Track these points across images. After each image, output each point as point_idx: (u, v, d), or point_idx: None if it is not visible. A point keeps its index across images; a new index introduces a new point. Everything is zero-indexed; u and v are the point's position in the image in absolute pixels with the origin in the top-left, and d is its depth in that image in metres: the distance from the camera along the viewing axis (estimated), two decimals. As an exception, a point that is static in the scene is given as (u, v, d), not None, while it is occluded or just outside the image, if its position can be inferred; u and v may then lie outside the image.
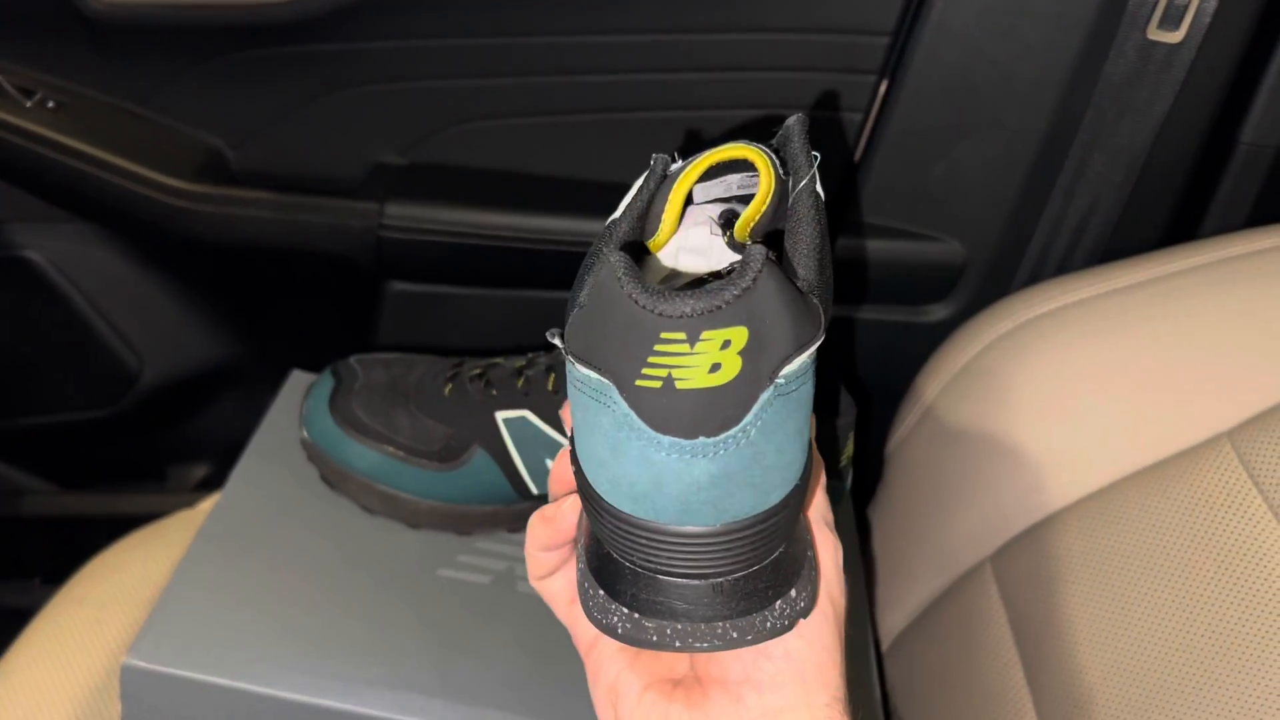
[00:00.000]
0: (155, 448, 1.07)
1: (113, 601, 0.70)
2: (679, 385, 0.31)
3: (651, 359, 0.31)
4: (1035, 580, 0.64)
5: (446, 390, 0.61)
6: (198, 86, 0.86)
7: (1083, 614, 0.60)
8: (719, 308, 0.30)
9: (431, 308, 0.89)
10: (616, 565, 0.36)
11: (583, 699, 0.42)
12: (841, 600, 0.41)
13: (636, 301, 0.31)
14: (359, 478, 0.60)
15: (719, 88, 0.82)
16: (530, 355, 0.63)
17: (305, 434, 0.62)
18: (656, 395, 0.31)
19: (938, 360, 0.76)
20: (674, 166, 0.40)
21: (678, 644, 0.36)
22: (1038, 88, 0.76)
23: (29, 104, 0.84)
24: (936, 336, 0.79)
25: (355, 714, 0.51)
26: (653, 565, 0.35)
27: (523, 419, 0.59)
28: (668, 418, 0.32)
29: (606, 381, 0.32)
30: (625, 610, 0.36)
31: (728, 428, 0.32)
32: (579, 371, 0.33)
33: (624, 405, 0.32)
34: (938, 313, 0.86)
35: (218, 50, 0.84)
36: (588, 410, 0.33)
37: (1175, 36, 0.69)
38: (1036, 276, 0.81)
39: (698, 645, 0.36)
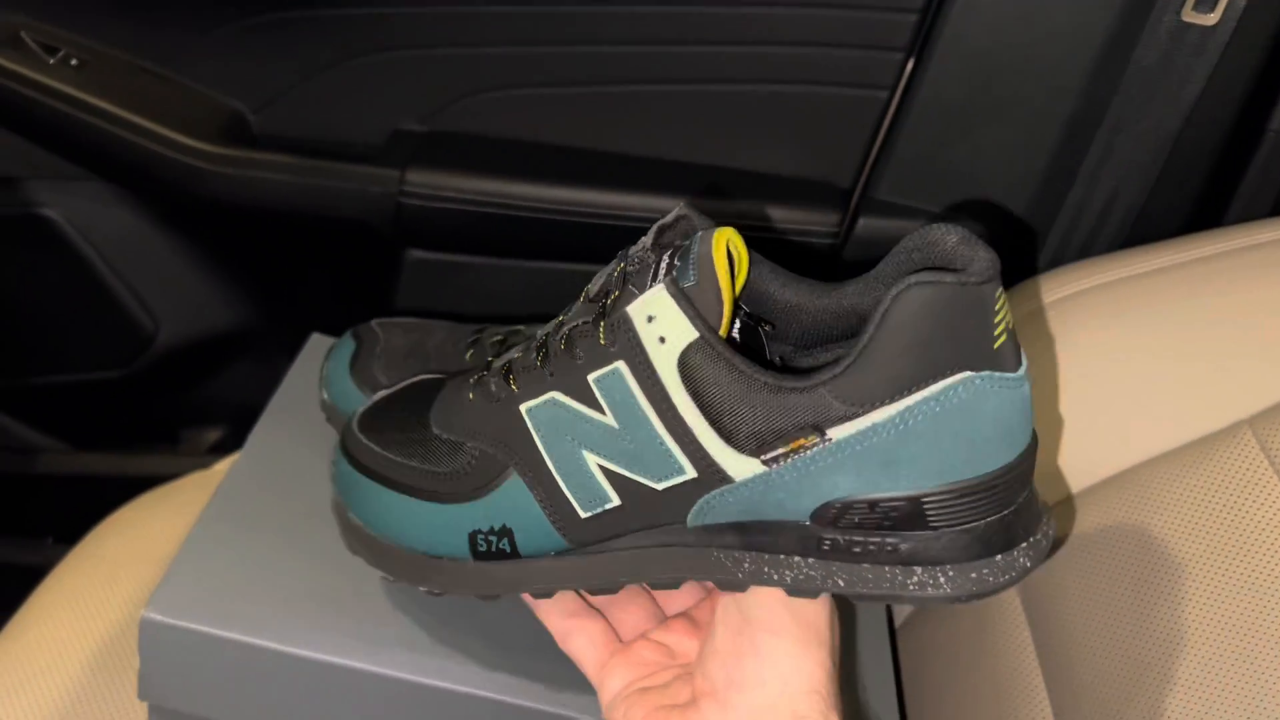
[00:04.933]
0: (168, 410, 1.07)
1: (128, 559, 0.70)
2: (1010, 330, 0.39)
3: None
4: (1050, 564, 0.64)
5: (468, 355, 0.61)
6: (221, 49, 0.86)
7: (1098, 598, 0.60)
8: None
9: (449, 276, 0.89)
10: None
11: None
12: (825, 600, 0.43)
13: (966, 283, 0.37)
14: (378, 441, 0.60)
15: (743, 61, 0.81)
16: (557, 321, 0.63)
17: (325, 396, 0.62)
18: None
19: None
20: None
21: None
22: (1064, 70, 0.75)
23: (52, 61, 0.84)
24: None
25: (371, 673, 0.51)
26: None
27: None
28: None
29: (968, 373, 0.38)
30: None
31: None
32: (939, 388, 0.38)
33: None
34: (957, 294, 0.86)
35: (241, 12, 0.84)
36: (948, 418, 0.38)
37: (1210, 19, 0.69)
38: (1059, 260, 0.81)
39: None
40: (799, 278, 0.44)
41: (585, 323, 0.42)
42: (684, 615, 0.49)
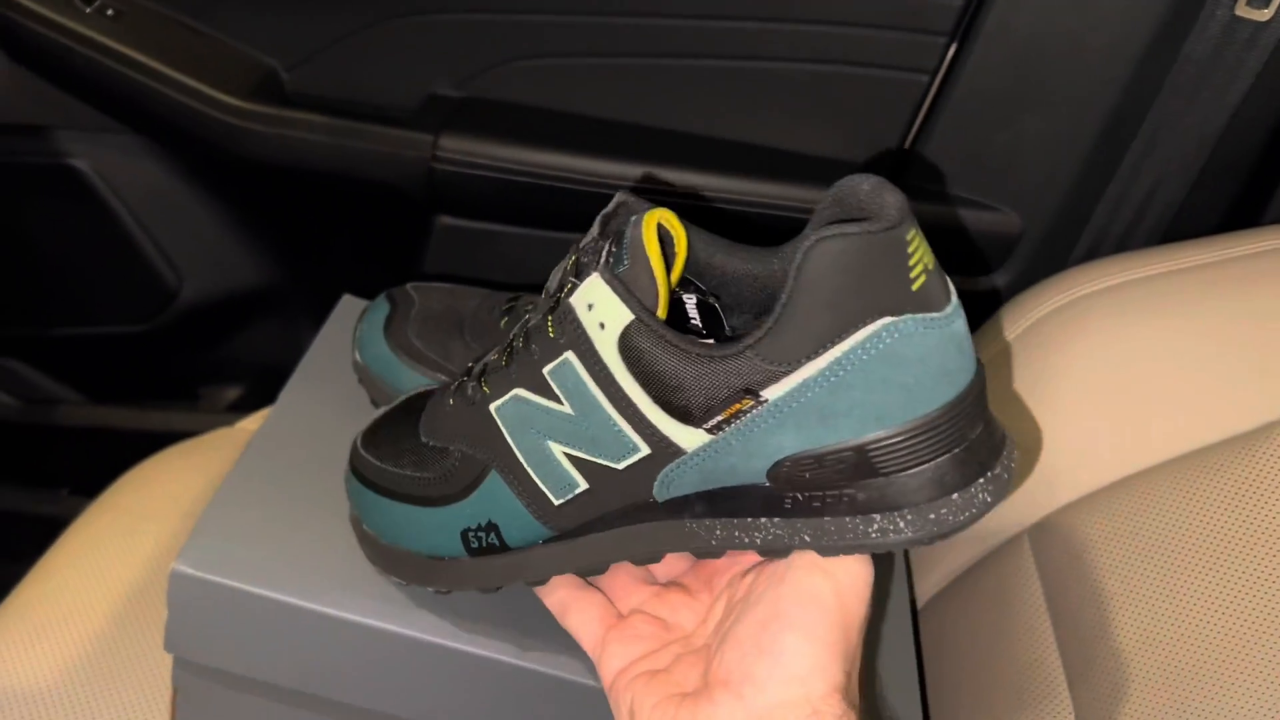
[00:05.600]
0: (189, 367, 1.07)
1: (150, 512, 0.71)
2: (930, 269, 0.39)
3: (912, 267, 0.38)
4: (1074, 556, 0.64)
5: (502, 323, 0.61)
6: (257, 4, 0.85)
7: (1122, 593, 0.60)
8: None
9: (478, 244, 0.89)
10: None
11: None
12: (857, 607, 0.42)
13: (872, 231, 0.37)
14: (409, 404, 0.60)
15: (785, 39, 0.81)
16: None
17: (358, 357, 0.62)
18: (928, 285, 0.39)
19: (988, 329, 0.76)
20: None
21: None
22: (1110, 60, 0.74)
23: (88, 10, 0.84)
24: (984, 307, 0.78)
25: (399, 634, 0.51)
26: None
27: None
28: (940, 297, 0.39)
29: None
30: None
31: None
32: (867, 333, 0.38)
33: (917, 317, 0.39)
34: (987, 283, 0.86)
35: (279, -32, 0.83)
36: (877, 365, 0.39)
37: (1264, 15, 0.68)
38: (1094, 252, 0.80)
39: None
40: (742, 246, 0.45)
41: (536, 321, 0.44)
42: (676, 584, 0.49)
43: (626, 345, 0.41)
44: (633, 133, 0.85)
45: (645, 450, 0.42)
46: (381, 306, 0.62)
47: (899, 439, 0.40)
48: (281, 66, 0.87)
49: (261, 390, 1.06)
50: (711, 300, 0.46)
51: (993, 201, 0.82)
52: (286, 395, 0.62)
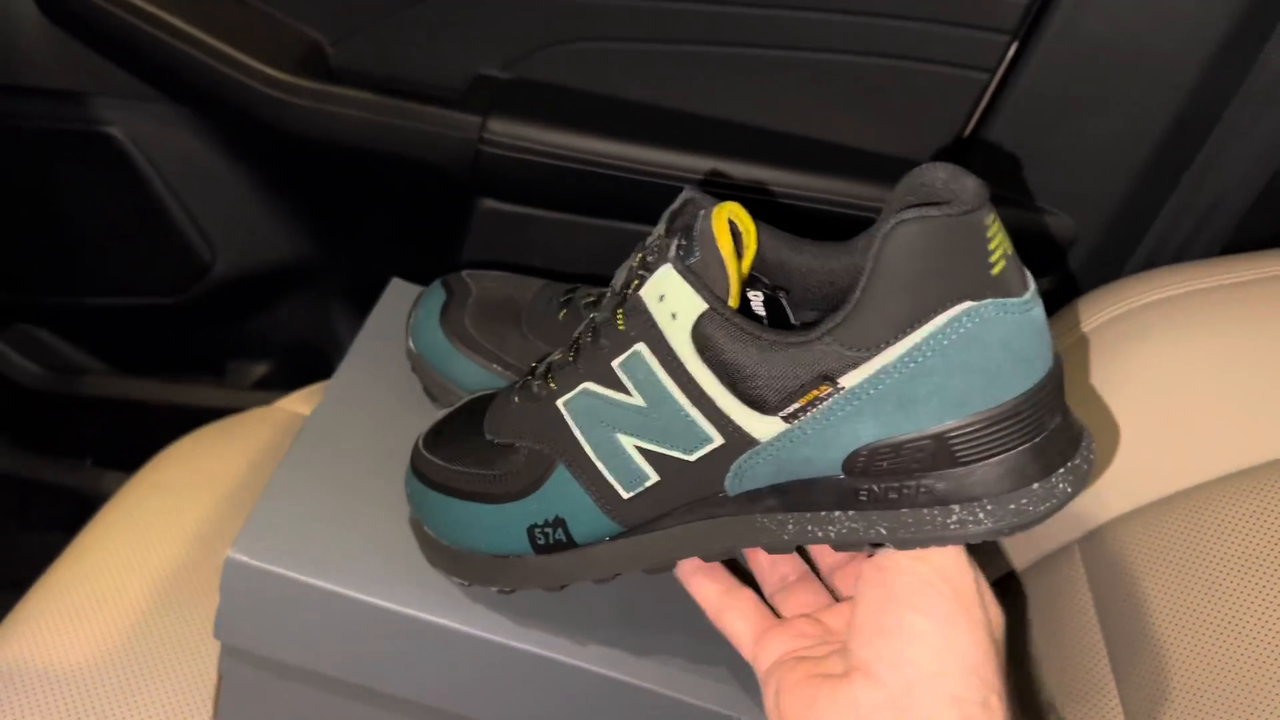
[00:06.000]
0: (217, 341, 1.06)
1: (189, 491, 0.70)
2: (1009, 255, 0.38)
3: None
4: (1127, 568, 0.63)
5: (560, 315, 0.59)
6: (303, -25, 0.84)
7: (1172, 608, 0.59)
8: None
9: (520, 229, 0.88)
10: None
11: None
12: (964, 581, 0.41)
13: (952, 214, 0.37)
14: (464, 393, 0.59)
15: (842, 30, 0.79)
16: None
17: (411, 345, 0.60)
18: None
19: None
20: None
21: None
22: (1177, 66, 0.73)
23: (132, -24, 0.82)
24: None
25: (452, 629, 0.50)
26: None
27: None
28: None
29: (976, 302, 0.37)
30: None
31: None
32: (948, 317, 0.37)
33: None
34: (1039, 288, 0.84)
35: (327, -59, 0.82)
36: (957, 351, 0.38)
37: (1347, 26, 0.67)
38: (1152, 261, 0.79)
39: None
40: (808, 241, 0.45)
41: (604, 315, 0.45)
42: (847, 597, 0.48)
43: (699, 335, 0.41)
44: (684, 121, 0.83)
45: (718, 441, 0.42)
46: (437, 294, 0.61)
47: (979, 427, 0.39)
48: (327, 40, 0.86)
49: (289, 367, 1.05)
50: (779, 294, 0.45)
51: (1046, 204, 0.81)
52: (338, 381, 0.61)
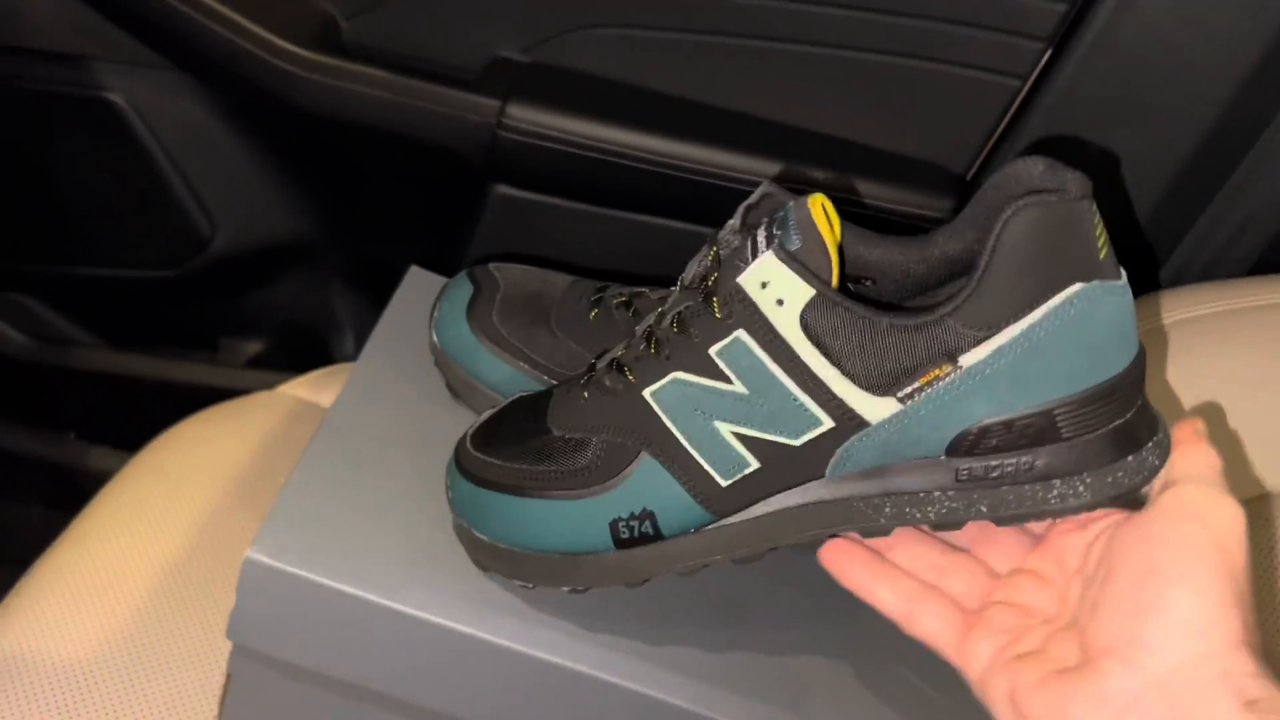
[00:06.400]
0: (211, 317, 1.03)
1: (192, 474, 0.68)
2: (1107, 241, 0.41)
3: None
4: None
5: (592, 315, 0.58)
6: (318, -53, 0.81)
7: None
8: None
9: (534, 217, 0.85)
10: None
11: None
12: (1238, 554, 0.39)
13: (1067, 201, 0.39)
14: (488, 391, 0.57)
15: (874, 30, 0.78)
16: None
17: (435, 339, 0.58)
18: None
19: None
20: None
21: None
22: (1216, 79, 0.72)
23: (142, -62, 0.79)
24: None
25: (483, 641, 0.48)
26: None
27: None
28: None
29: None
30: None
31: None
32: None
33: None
34: (1059, 298, 0.83)
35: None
36: (1069, 330, 0.40)
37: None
38: (1180, 278, 0.78)
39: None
40: (884, 235, 0.46)
41: (691, 305, 0.44)
42: (1019, 571, 0.46)
43: (808, 320, 0.41)
44: (707, 114, 0.81)
45: (828, 424, 0.42)
46: (464, 286, 0.59)
47: (1086, 403, 0.41)
48: (341, 15, 0.83)
49: (284, 347, 1.03)
50: (868, 283, 0.46)
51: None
52: (358, 374, 0.59)
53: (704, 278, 0.44)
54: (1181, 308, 0.69)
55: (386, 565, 0.49)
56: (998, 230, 0.39)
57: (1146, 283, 0.80)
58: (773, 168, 0.81)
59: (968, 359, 0.41)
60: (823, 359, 0.41)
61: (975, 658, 0.43)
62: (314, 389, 0.75)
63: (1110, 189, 0.78)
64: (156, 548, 0.62)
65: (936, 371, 0.41)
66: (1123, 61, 0.74)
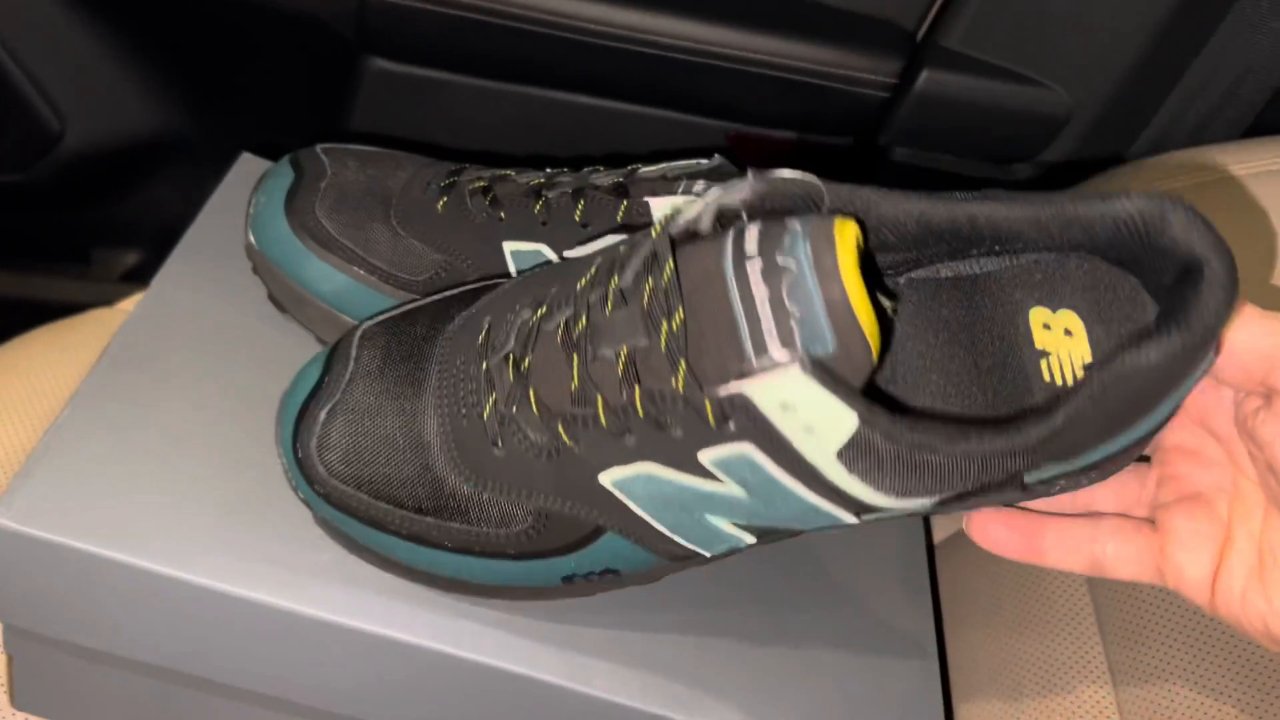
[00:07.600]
0: (79, 227, 0.92)
1: (16, 400, 0.58)
2: None
3: None
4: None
5: (440, 205, 0.47)
6: None
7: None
8: None
9: (419, 95, 0.74)
10: None
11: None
12: None
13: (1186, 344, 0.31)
14: (320, 304, 0.47)
15: None
16: (550, 171, 0.49)
17: (252, 239, 0.48)
18: None
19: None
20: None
21: None
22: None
23: None
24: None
25: (295, 613, 0.39)
26: None
27: (536, 254, 0.46)
28: None
29: None
30: None
31: None
32: None
33: None
34: (1024, 171, 0.73)
35: None
36: None
37: None
38: (1162, 144, 0.68)
39: None
40: (909, 192, 0.36)
41: (660, 393, 0.33)
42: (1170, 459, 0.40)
43: (851, 454, 0.32)
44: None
45: (850, 522, 0.36)
46: (283, 174, 0.48)
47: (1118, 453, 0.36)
48: None
49: (163, 256, 0.91)
50: (888, 305, 0.38)
51: (1038, 75, 0.69)
52: (158, 285, 0.49)
53: (661, 307, 0.33)
54: (1167, 176, 0.59)
55: (166, 525, 0.40)
56: (1094, 390, 0.31)
57: (1122, 150, 0.70)
58: (699, 29, 0.69)
59: (1033, 477, 0.34)
60: (862, 484, 0.33)
61: (1189, 579, 0.38)
62: (158, 304, 0.64)
63: (1079, 46, 0.67)
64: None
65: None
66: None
